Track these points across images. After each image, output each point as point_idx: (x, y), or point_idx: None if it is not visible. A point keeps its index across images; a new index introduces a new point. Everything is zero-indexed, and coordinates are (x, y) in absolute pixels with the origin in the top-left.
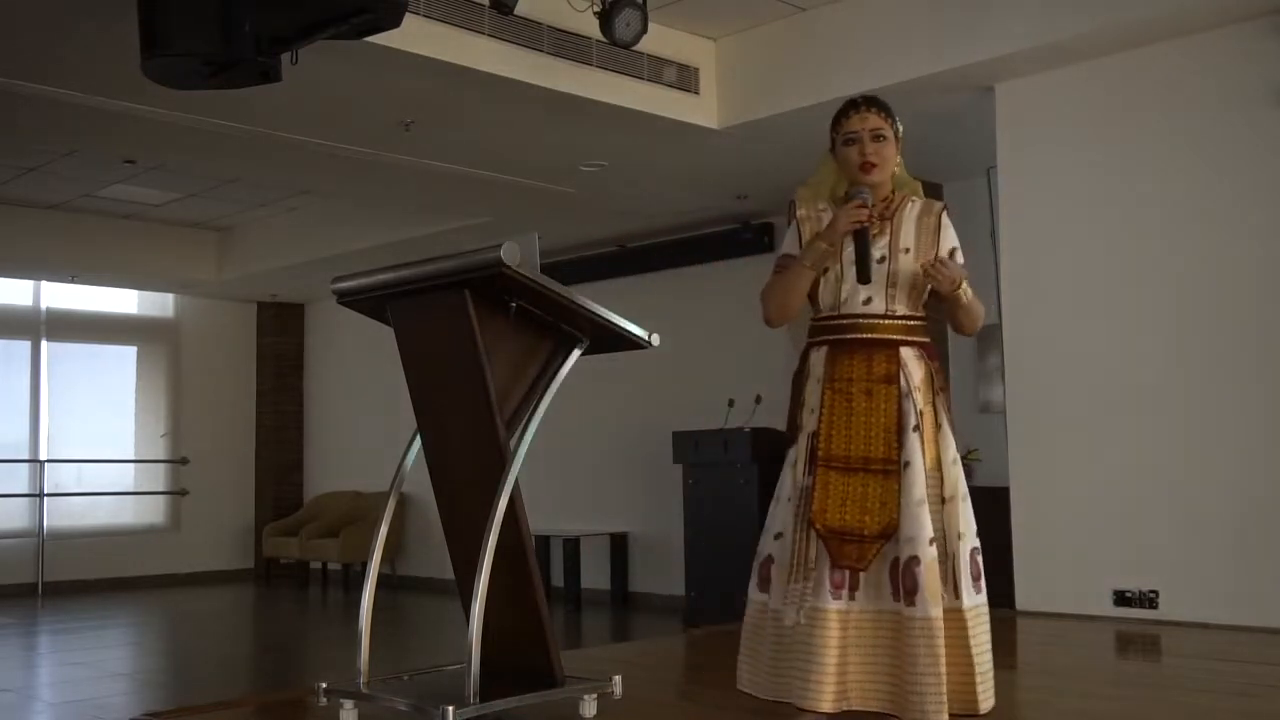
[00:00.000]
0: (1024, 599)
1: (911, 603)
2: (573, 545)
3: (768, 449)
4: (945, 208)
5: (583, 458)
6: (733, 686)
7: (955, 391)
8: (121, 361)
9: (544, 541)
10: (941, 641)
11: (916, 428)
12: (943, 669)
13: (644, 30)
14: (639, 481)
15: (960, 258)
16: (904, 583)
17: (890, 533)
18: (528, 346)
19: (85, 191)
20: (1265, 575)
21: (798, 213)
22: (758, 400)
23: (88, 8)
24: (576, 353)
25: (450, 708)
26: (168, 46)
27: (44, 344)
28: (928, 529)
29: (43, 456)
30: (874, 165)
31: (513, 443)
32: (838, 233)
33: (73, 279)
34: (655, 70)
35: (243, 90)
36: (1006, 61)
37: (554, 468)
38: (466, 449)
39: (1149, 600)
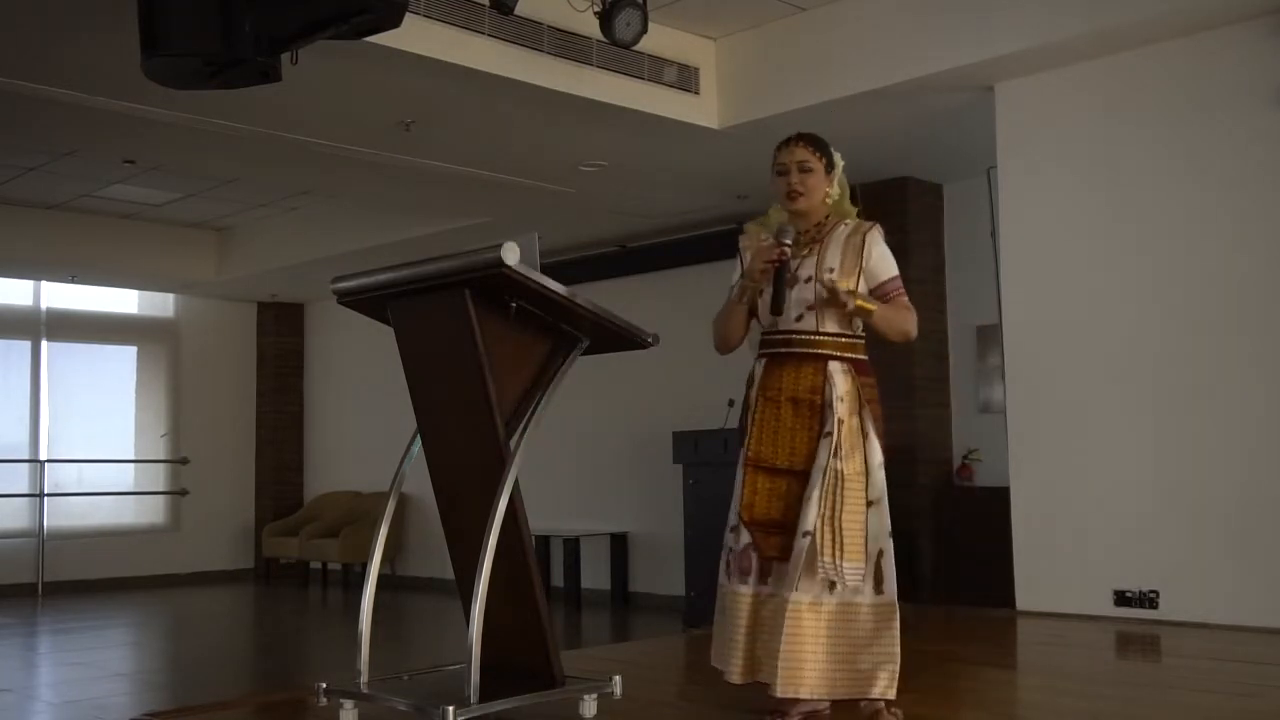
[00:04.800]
0: (1024, 599)
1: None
2: (573, 545)
3: None
4: (874, 227)
5: (583, 458)
6: (733, 686)
7: (955, 392)
8: (121, 361)
9: (544, 541)
10: (796, 621)
11: (829, 434)
12: (783, 647)
13: (644, 30)
14: (639, 481)
15: (885, 269)
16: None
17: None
18: (528, 346)
19: (85, 191)
20: (1265, 575)
21: (741, 242)
22: None
23: (88, 8)
24: (576, 353)
25: (450, 708)
26: (168, 46)
27: (44, 344)
28: (808, 524)
29: (43, 456)
30: (799, 194)
31: (513, 443)
32: (754, 273)
33: (73, 279)
34: (655, 70)
35: (243, 90)
36: (1006, 61)
37: (554, 468)
38: (466, 449)
39: (1149, 600)
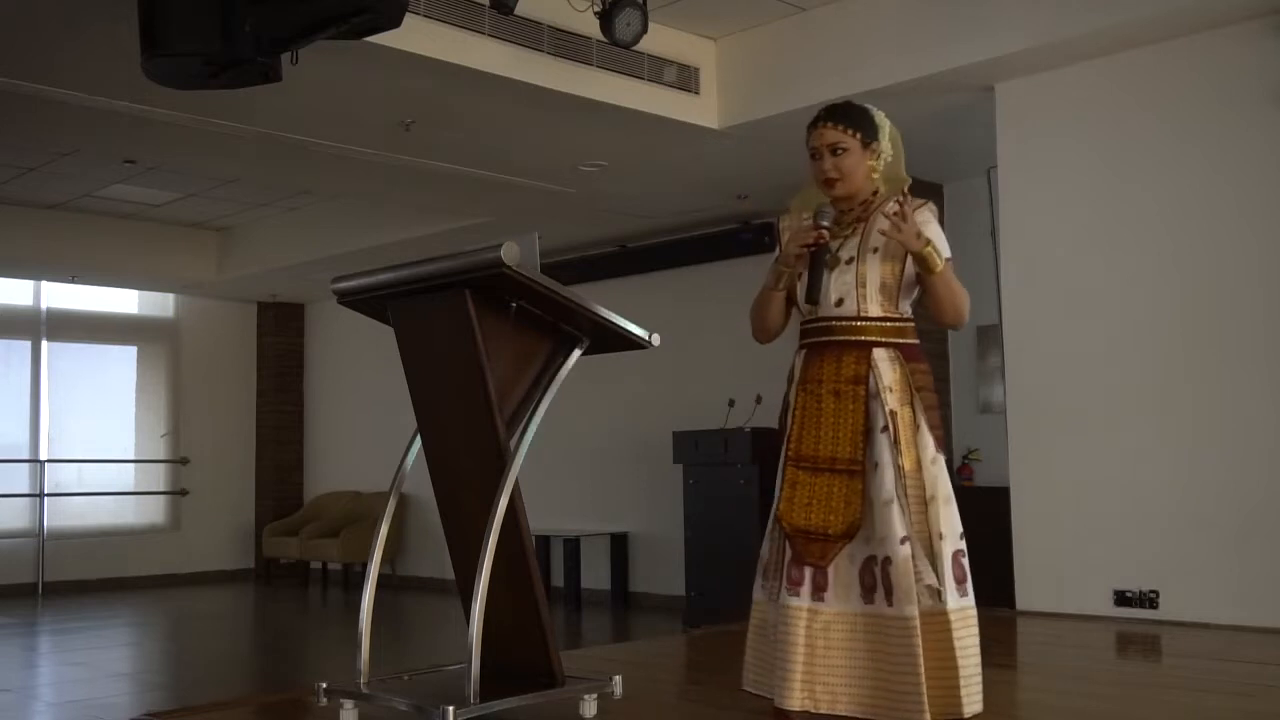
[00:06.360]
0: (1024, 599)
1: (890, 603)
2: (573, 545)
3: (768, 449)
4: (925, 205)
5: (583, 458)
6: (733, 686)
7: (955, 391)
8: (121, 361)
9: (544, 541)
10: (919, 641)
11: (885, 428)
12: (921, 669)
13: (644, 30)
14: (639, 481)
15: (944, 251)
16: (880, 583)
17: (853, 533)
18: (528, 346)
19: (85, 191)
20: (1265, 575)
21: (780, 224)
22: (758, 400)
23: (88, 8)
24: (577, 353)
25: (450, 708)
26: (168, 47)
27: (44, 344)
28: (898, 529)
29: (43, 456)
30: (835, 180)
31: (513, 443)
32: (789, 257)
33: (73, 279)
34: (655, 70)
35: (243, 90)
36: (1006, 61)
37: (554, 468)
38: (466, 449)
39: (1149, 600)
